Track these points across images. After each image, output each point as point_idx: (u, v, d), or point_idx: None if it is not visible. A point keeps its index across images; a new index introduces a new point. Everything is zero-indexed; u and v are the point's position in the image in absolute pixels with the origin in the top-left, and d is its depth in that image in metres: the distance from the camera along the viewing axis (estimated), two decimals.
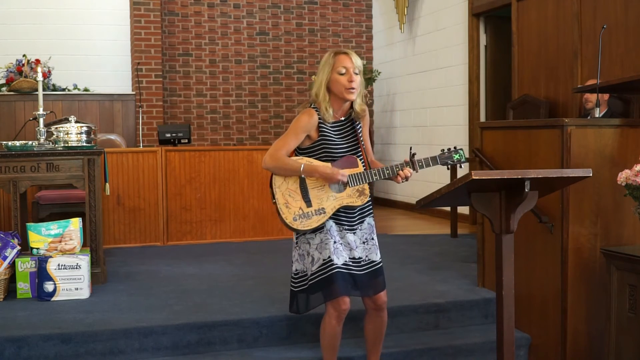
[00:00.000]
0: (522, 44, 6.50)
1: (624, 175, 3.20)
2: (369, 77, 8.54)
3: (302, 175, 3.00)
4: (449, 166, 3.10)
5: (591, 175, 2.80)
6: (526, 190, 2.66)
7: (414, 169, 3.02)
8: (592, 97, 5.06)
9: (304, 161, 3.02)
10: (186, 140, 6.54)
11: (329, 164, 3.02)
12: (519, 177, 2.63)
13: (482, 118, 7.22)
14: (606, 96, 5.17)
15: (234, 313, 3.75)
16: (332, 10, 9.30)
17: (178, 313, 3.77)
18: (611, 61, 5.40)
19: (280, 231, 6.33)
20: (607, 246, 3.51)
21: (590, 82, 4.87)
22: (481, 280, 4.33)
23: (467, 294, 4.17)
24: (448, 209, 6.69)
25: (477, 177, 2.56)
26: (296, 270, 3.14)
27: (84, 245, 4.35)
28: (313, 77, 3.14)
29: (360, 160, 3.07)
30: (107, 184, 4.75)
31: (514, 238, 2.82)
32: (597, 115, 4.10)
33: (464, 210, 7.04)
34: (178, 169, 6.17)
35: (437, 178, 7.28)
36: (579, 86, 5.50)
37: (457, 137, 7.39)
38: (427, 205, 2.82)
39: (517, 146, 3.90)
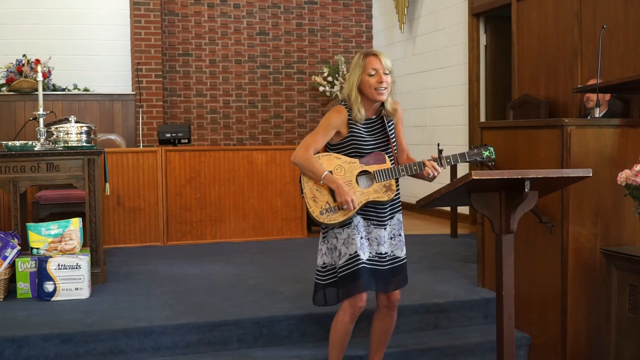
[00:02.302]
0: (522, 44, 6.49)
1: (624, 175, 3.20)
2: None
3: (322, 182, 3.01)
4: (478, 163, 3.13)
5: (591, 175, 2.80)
6: (526, 190, 2.66)
7: (441, 165, 3.07)
8: (594, 97, 5.05)
9: (332, 166, 3.03)
10: (186, 140, 6.54)
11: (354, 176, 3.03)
12: (519, 177, 2.63)
13: (482, 118, 7.22)
14: (607, 96, 5.17)
15: (234, 313, 3.75)
16: (332, 10, 9.30)
17: (178, 313, 3.77)
18: (611, 61, 5.39)
19: (280, 231, 6.33)
20: (607, 246, 3.51)
21: (591, 82, 4.87)
22: (481, 280, 4.33)
23: (467, 294, 4.17)
24: (448, 209, 6.68)
25: (477, 177, 2.56)
26: (324, 263, 3.13)
27: (84, 245, 4.35)
28: (343, 77, 3.18)
29: (389, 157, 3.08)
30: (107, 184, 4.75)
31: (514, 238, 2.82)
32: (597, 115, 4.09)
33: (464, 210, 7.04)
34: (178, 169, 6.17)
35: (437, 178, 7.25)
36: (579, 86, 5.49)
37: (457, 137, 7.39)
38: (427, 205, 2.83)
39: (517, 146, 3.90)
